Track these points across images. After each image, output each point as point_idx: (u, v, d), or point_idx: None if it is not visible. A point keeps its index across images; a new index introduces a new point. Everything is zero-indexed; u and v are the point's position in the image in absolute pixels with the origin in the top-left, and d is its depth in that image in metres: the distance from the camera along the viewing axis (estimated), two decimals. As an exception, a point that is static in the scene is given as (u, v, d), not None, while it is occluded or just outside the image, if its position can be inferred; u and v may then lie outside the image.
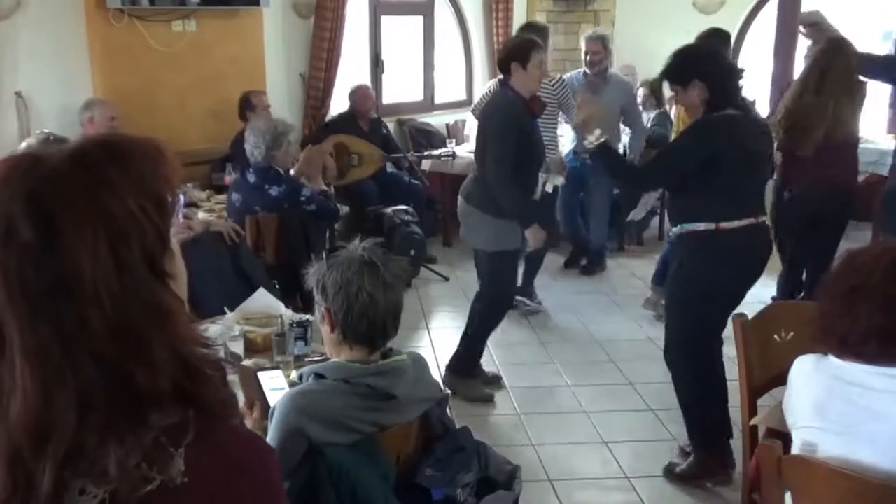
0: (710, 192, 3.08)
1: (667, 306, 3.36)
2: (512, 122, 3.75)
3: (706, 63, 3.14)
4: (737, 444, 2.51)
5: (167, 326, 0.91)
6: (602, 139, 3.30)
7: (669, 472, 3.38)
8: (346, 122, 6.26)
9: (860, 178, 4.73)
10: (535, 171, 3.90)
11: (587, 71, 5.54)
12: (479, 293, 4.12)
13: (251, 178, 4.21)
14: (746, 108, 3.28)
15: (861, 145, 4.53)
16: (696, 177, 3.09)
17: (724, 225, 3.08)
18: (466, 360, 4.08)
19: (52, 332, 0.85)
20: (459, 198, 4.04)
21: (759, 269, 3.21)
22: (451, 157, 6.24)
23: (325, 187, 4.50)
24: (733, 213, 3.08)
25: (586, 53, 5.52)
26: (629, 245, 6.63)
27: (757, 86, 5.86)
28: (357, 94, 6.31)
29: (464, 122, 7.38)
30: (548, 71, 3.88)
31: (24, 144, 3.74)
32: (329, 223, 4.79)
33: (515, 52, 3.81)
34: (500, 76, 5.00)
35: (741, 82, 3.29)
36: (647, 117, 6.40)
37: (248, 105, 5.48)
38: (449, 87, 7.82)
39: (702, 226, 3.12)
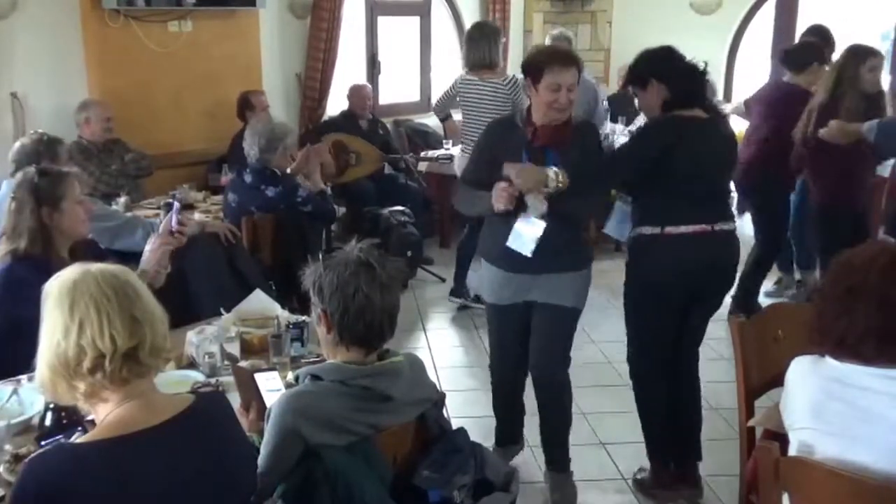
0: (658, 195, 2.97)
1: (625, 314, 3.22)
2: (490, 133, 3.14)
3: (662, 62, 2.98)
4: (734, 445, 2.50)
5: None
6: (553, 189, 2.81)
7: (633, 477, 3.35)
8: (346, 120, 6.27)
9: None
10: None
11: None
12: None
13: (248, 178, 4.19)
14: (716, 111, 3.06)
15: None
16: (648, 177, 2.97)
17: (670, 230, 2.94)
18: None
19: None
20: None
21: (708, 276, 3.02)
22: (448, 161, 6.21)
23: (323, 187, 4.49)
24: (681, 217, 2.94)
25: None
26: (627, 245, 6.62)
27: (755, 87, 5.86)
28: (355, 94, 6.32)
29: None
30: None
31: (17, 145, 3.72)
32: (326, 224, 4.78)
33: (526, 67, 2.97)
34: (464, 71, 4.94)
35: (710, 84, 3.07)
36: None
37: (247, 105, 5.49)
38: (445, 87, 7.78)
39: (647, 229, 3.00)
